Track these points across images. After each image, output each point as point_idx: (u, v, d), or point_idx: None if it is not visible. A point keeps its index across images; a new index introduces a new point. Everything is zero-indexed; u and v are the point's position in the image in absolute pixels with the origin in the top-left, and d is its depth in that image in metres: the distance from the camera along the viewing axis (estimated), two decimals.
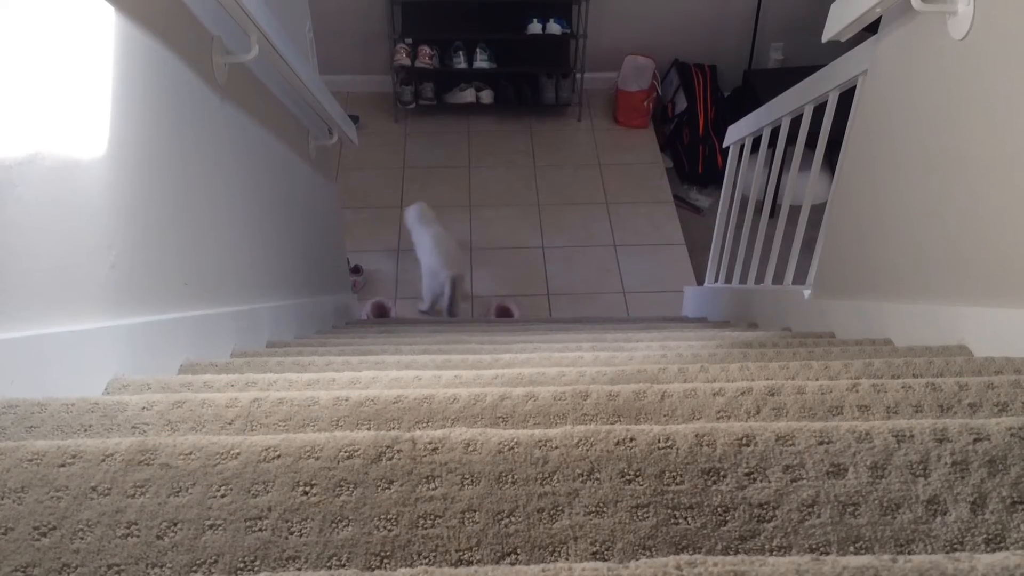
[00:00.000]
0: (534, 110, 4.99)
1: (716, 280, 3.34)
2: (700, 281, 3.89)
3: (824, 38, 1.80)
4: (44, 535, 0.70)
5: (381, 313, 3.73)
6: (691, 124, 4.60)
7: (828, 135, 2.15)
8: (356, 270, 3.91)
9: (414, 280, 3.97)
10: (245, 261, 1.85)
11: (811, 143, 2.27)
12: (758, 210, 2.82)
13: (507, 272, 4.05)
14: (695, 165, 4.55)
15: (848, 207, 1.91)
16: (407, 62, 4.55)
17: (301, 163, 2.49)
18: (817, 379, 1.21)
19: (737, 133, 2.99)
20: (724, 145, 3.17)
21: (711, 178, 4.53)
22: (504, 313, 3.74)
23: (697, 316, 3.36)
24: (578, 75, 4.77)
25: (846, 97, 2.01)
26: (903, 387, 1.03)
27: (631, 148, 4.77)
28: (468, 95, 4.81)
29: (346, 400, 1.06)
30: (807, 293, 2.14)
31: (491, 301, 3.81)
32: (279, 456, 0.79)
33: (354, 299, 3.55)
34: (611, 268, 4.07)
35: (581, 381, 1.27)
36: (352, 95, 5.00)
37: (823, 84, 2.11)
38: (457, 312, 3.58)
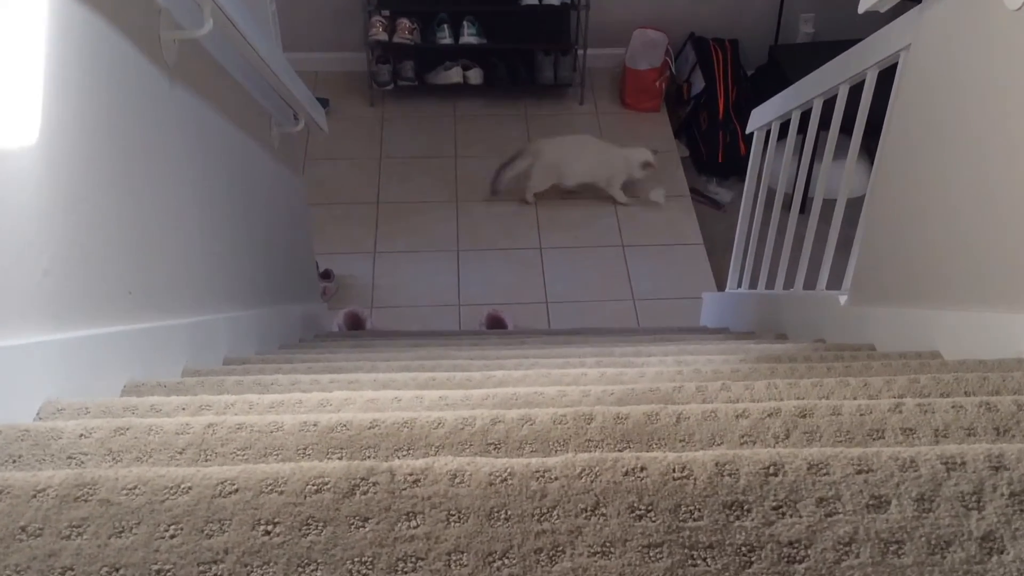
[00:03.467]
0: (530, 92, 4.99)
1: (739, 285, 3.34)
2: (721, 286, 3.89)
3: (861, 9, 1.81)
4: None
5: (355, 324, 3.72)
6: (710, 107, 4.62)
7: (866, 119, 2.16)
8: (326, 275, 3.91)
9: (392, 286, 3.97)
10: (199, 266, 1.85)
11: (847, 128, 2.27)
12: (787, 205, 2.82)
13: (499, 276, 4.04)
14: (714, 154, 4.56)
15: (889, 201, 1.91)
16: (384, 37, 4.55)
17: (263, 154, 2.48)
18: (855, 398, 1.21)
19: (762, 117, 3.00)
20: (747, 131, 3.17)
21: (733, 168, 4.54)
22: (496, 324, 3.74)
23: (718, 326, 3.36)
24: (580, 52, 4.78)
25: (886, 76, 2.01)
26: (953, 407, 1.03)
27: (641, 135, 4.76)
28: (454, 75, 4.81)
29: (314, 425, 1.05)
30: (843, 300, 2.14)
31: (481, 310, 3.81)
32: (237, 490, 0.79)
33: (324, 308, 3.55)
34: (619, 272, 4.08)
35: (584, 402, 1.26)
36: (321, 75, 5.00)
37: (859, 61, 2.12)
38: (498, 185, 4.30)
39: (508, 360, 1.85)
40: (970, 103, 1.55)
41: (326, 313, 3.58)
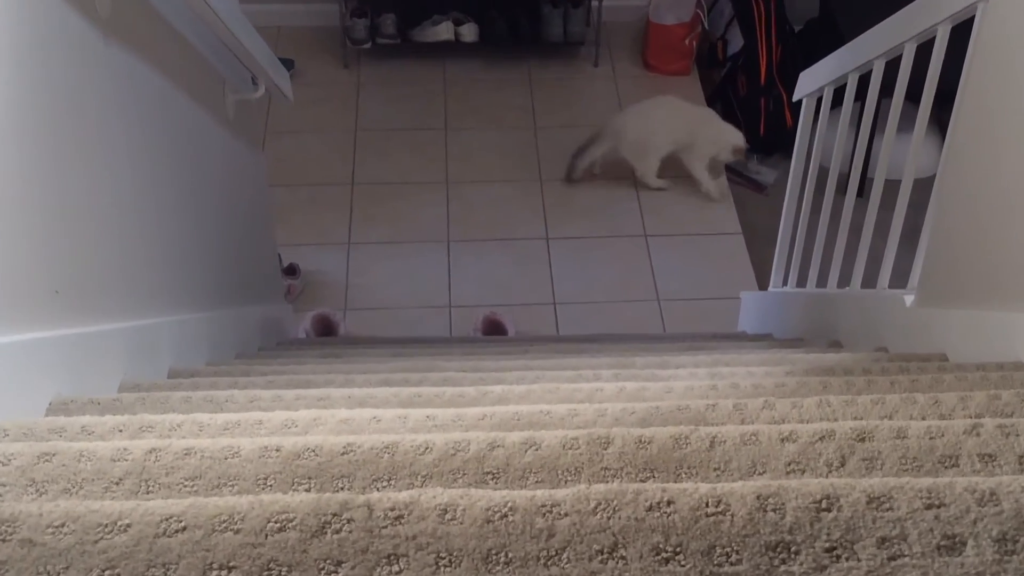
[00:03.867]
0: (534, 51, 4.98)
1: (785, 283, 3.34)
2: (763, 284, 3.89)
3: None
4: None
5: (326, 329, 3.72)
6: (749, 69, 4.61)
7: (937, 85, 2.15)
8: (291, 271, 3.91)
9: (370, 284, 3.97)
10: (138, 260, 1.85)
11: (913, 96, 2.27)
12: (842, 188, 2.82)
13: (498, 272, 4.04)
14: (755, 125, 4.56)
15: (965, 182, 1.91)
16: None
17: (215, 125, 2.48)
18: (923, 418, 1.21)
19: (812, 82, 2.99)
20: (795, 98, 3.17)
21: (777, 143, 4.53)
22: (495, 329, 3.74)
23: (759, 332, 3.36)
24: (595, 2, 4.78)
25: (961, 32, 2.01)
26: None
27: None
28: (444, 31, 4.81)
29: (277, 450, 1.06)
30: (909, 300, 2.14)
31: (476, 313, 3.81)
32: (185, 528, 0.79)
33: (288, 310, 3.55)
34: (641, 267, 4.07)
35: (600, 423, 1.27)
36: (285, 31, 4.99)
37: (929, 13, 2.11)
38: (574, 174, 4.38)
39: (509, 373, 1.85)
40: None
41: (291, 316, 3.58)
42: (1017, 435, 1.03)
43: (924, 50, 2.21)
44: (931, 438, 1.04)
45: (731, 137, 4.25)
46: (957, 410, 1.23)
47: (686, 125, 4.27)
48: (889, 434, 1.05)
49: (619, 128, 4.25)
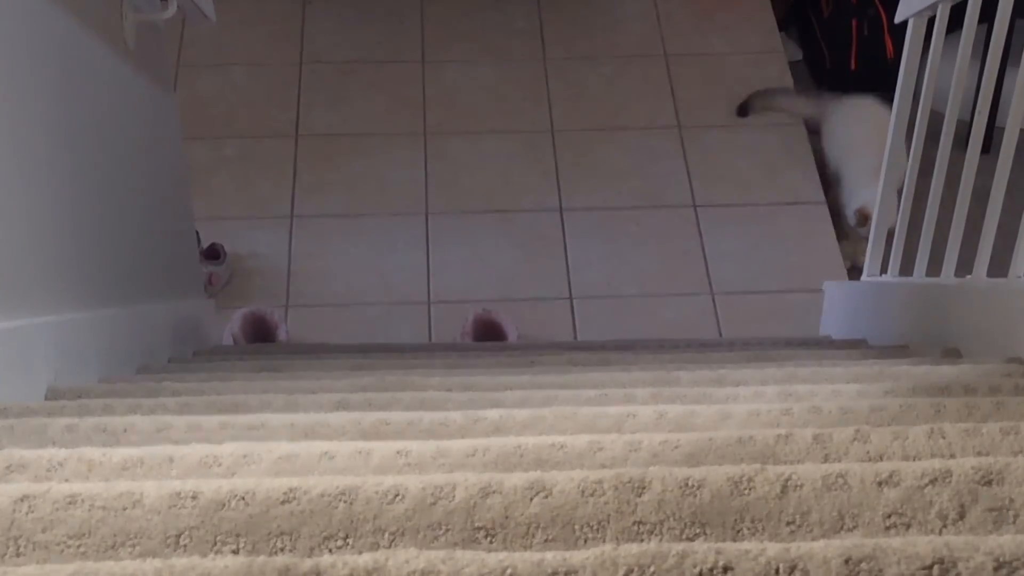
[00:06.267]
0: None
1: (884, 271, 3.34)
2: (855, 273, 3.89)
3: None
4: None
5: (260, 333, 3.72)
6: None
7: None
8: (213, 254, 3.90)
9: (320, 271, 3.97)
10: (3, 240, 1.84)
11: None
12: (961, 141, 2.82)
13: (495, 257, 4.04)
14: (844, 57, 4.56)
15: None
16: None
17: (107, 56, 2.48)
18: None
19: None
20: (897, 19, 3.17)
21: (874, 81, 4.51)
22: (490, 333, 3.73)
23: (849, 336, 3.36)
24: None
25: None
26: None
27: (725, 25, 4.75)
28: None
29: (193, 497, 1.06)
30: None
31: (465, 310, 3.81)
32: None
33: (210, 307, 3.54)
34: (689, 248, 4.07)
35: (633, 459, 1.27)
36: None
37: None
38: (751, 108, 4.50)
39: (508, 392, 1.85)
40: None
41: (213, 315, 3.57)
42: None
43: None
44: None
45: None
46: None
47: (879, 149, 4.00)
48: (1023, 475, 1.05)
49: (829, 108, 4.29)
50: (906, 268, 3.17)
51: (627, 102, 4.51)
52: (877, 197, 3.37)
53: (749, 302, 3.94)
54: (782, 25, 4.80)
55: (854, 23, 4.53)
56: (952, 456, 1.23)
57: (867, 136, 4.08)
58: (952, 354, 2.51)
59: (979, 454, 1.23)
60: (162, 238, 2.99)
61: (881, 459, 1.24)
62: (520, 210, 4.19)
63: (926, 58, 3.00)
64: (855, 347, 2.97)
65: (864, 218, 3.90)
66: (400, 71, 4.61)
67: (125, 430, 1.48)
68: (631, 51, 4.66)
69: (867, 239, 3.61)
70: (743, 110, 4.43)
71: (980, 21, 2.69)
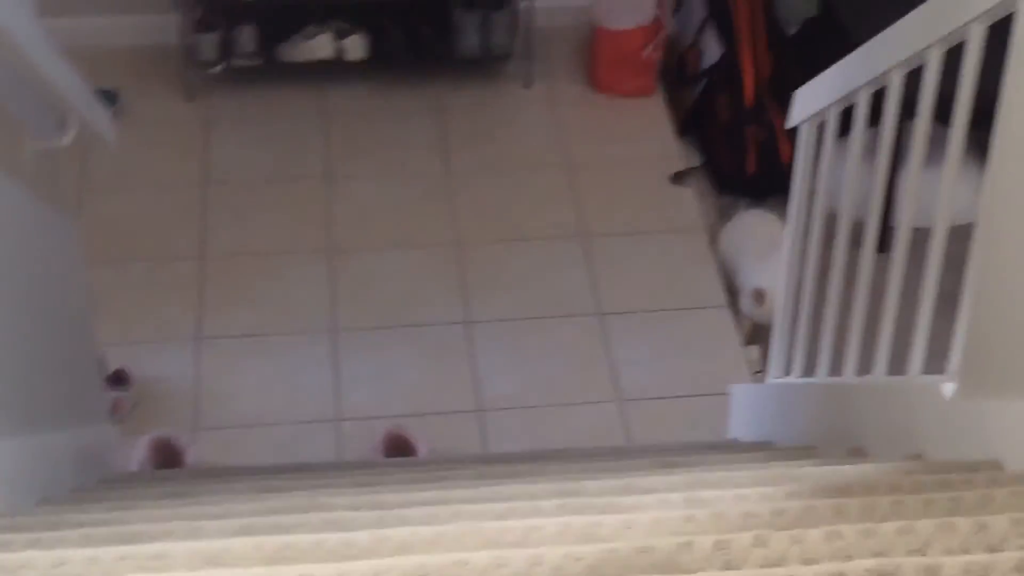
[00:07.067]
0: (445, 70, 5.01)
1: (788, 372, 3.37)
2: (762, 375, 3.91)
3: None
4: None
5: (168, 458, 3.67)
6: (731, 87, 4.67)
7: (973, 102, 2.19)
8: (118, 379, 3.86)
9: (229, 393, 3.94)
10: None
11: (943, 116, 2.32)
12: (857, 240, 2.86)
13: (403, 372, 4.03)
14: (740, 160, 4.61)
15: (1014, 227, 1.95)
16: None
17: (5, 183, 2.47)
18: (965, 552, 1.23)
19: (812, 102, 3.04)
20: (789, 124, 3.23)
21: (772, 184, 4.54)
22: (400, 449, 3.71)
23: (757, 439, 3.37)
24: (522, 3, 4.83)
25: (1000, 33, 2.05)
26: None
27: (625, 134, 4.83)
28: (322, 46, 4.81)
29: None
30: (948, 389, 2.17)
31: (375, 427, 3.79)
32: None
33: (116, 434, 3.49)
34: (596, 356, 4.08)
35: (535, 574, 1.26)
36: (106, 53, 4.95)
37: (958, 11, 2.15)
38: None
39: (416, 509, 1.84)
40: None
41: (119, 441, 3.52)
42: None
43: (954, 56, 2.25)
44: None
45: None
46: (1010, 539, 1.25)
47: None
48: (917, 575, 1.06)
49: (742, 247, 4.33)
50: (808, 369, 3.20)
51: (531, 212, 4.54)
52: (777, 300, 3.41)
53: (657, 408, 3.95)
54: (681, 132, 4.88)
55: (750, 129, 4.60)
56: (849, 558, 1.24)
57: (759, 246, 4.23)
58: (857, 453, 2.52)
59: (876, 555, 1.24)
60: (63, 365, 2.96)
61: (780, 564, 1.25)
62: (428, 324, 4.18)
63: (820, 162, 3.05)
64: (762, 450, 2.99)
65: (759, 296, 4.03)
66: (305, 189, 4.63)
67: (22, 567, 1.46)
68: (534, 161, 4.71)
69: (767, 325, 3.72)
70: (678, 178, 4.54)
71: (870, 124, 2.74)
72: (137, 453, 3.62)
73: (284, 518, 1.82)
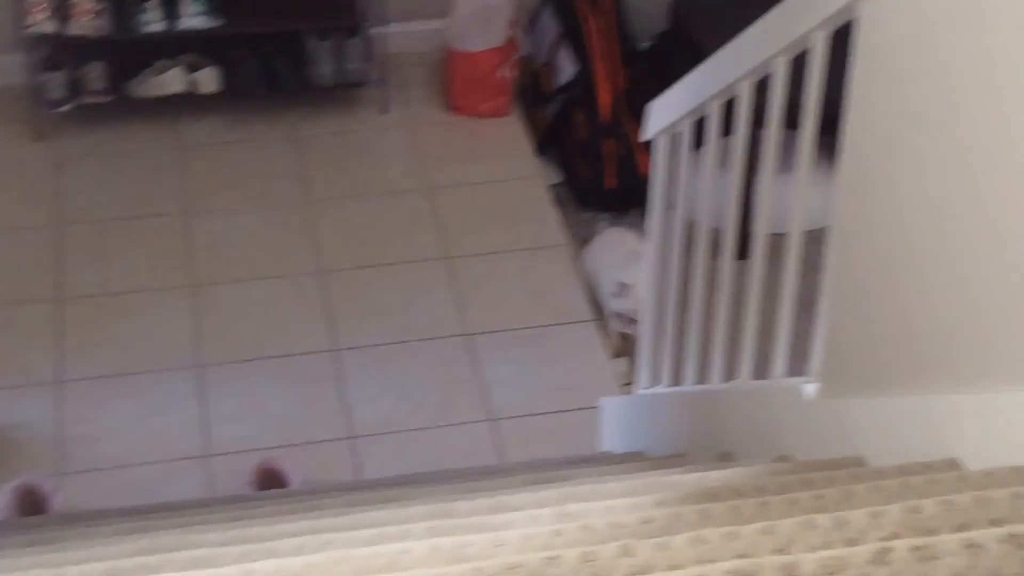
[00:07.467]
0: (300, 99, 5.01)
1: (655, 382, 3.39)
2: (631, 387, 3.93)
3: None
4: None
5: (32, 506, 3.60)
6: (587, 103, 4.71)
7: (822, 107, 2.22)
8: None
9: (93, 435, 3.86)
10: None
11: (793, 123, 2.34)
12: (716, 248, 2.89)
13: (272, 403, 4.00)
14: (599, 175, 4.65)
15: (866, 231, 1.98)
16: (52, 27, 4.50)
17: None
18: (826, 547, 1.23)
19: (665, 115, 3.07)
20: (643, 137, 3.25)
21: (631, 197, 4.56)
22: (272, 481, 3.68)
23: (628, 450, 3.38)
24: (375, 30, 4.84)
25: (842, 40, 2.09)
26: (968, 547, 1.07)
27: (484, 154, 4.86)
28: (174, 80, 4.79)
29: None
30: (810, 390, 2.19)
31: (247, 461, 3.75)
32: None
33: None
34: (465, 377, 4.09)
35: None
36: None
37: (801, 20, 2.19)
38: None
39: (286, 540, 1.81)
40: (953, 78, 1.63)
41: None
42: (935, 559, 1.06)
43: (799, 64, 2.28)
44: (830, 573, 1.06)
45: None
46: (868, 532, 1.26)
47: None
48: (776, 572, 1.07)
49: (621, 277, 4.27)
50: (675, 378, 3.22)
51: (394, 237, 4.56)
52: (642, 311, 3.43)
53: (528, 425, 3.96)
54: (540, 150, 4.92)
55: (607, 144, 4.63)
56: (713, 561, 1.25)
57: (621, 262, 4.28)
58: (725, 458, 2.55)
59: (739, 556, 1.25)
60: None
61: (647, 572, 1.25)
62: (296, 353, 4.17)
63: (676, 173, 3.07)
64: (633, 460, 3.01)
65: (624, 288, 4.10)
66: (163, 225, 4.59)
67: None
68: (395, 186, 4.72)
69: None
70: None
71: (723, 135, 2.77)
72: (0, 501, 3.54)
73: (150, 558, 1.79)
